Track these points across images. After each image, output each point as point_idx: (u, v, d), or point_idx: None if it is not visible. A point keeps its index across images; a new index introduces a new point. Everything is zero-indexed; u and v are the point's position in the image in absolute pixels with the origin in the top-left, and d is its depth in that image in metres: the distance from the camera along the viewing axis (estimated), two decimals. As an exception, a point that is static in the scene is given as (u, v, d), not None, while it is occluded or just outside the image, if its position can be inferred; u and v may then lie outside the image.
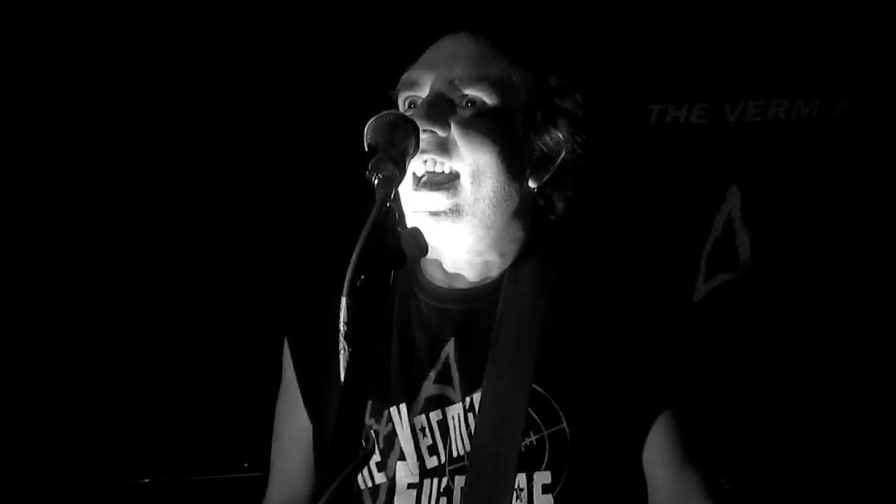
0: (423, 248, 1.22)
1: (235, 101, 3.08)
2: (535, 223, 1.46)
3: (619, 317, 1.40)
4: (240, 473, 2.85)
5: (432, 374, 1.41)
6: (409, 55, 1.52)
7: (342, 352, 1.01)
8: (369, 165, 1.14)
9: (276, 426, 1.58)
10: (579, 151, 1.45)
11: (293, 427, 1.54)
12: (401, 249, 1.10)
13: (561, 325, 1.38)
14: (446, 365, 1.41)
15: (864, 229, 2.90)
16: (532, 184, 1.43)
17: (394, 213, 1.10)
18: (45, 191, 3.05)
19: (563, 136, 1.43)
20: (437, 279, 1.47)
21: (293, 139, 3.09)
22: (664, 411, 1.36)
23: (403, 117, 1.23)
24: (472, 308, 1.43)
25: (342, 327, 1.01)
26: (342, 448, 0.89)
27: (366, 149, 1.18)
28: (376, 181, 1.12)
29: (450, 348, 1.41)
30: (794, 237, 2.99)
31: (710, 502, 1.34)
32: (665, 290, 1.47)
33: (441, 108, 1.36)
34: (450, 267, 1.45)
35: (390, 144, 1.17)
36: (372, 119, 1.21)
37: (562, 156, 1.44)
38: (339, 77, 2.99)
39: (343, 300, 1.01)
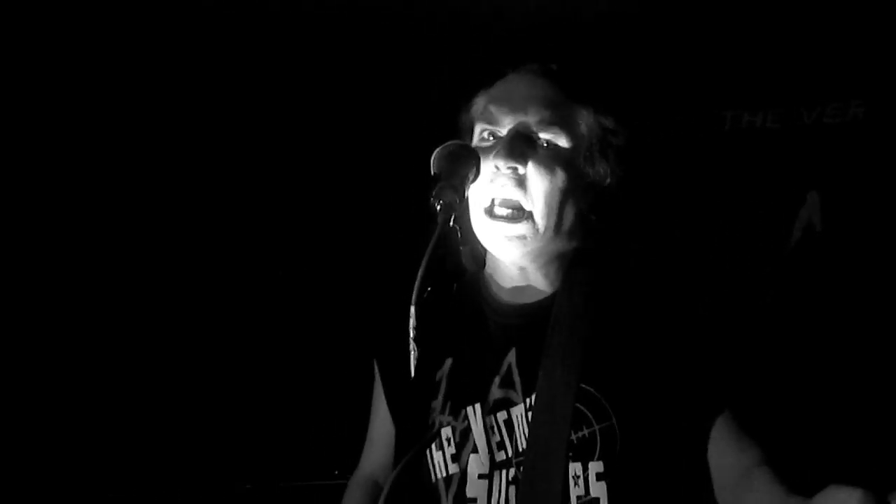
0: (480, 263, 1.53)
1: (306, 121, 3.24)
2: (582, 241, 1.61)
3: (664, 322, 1.53)
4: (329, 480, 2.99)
5: (497, 380, 1.57)
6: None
7: (412, 352, 1.14)
8: (433, 192, 1.35)
9: (370, 423, 1.81)
10: (621, 180, 1.61)
11: (381, 424, 1.76)
12: (461, 265, 1.38)
13: (608, 332, 1.53)
14: (509, 371, 1.57)
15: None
16: (581, 207, 1.59)
17: (455, 233, 1.33)
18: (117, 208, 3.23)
19: (610, 167, 1.59)
20: (501, 298, 1.64)
21: (366, 162, 3.24)
22: (724, 410, 1.48)
23: (465, 146, 1.44)
24: (530, 322, 1.58)
25: (411, 332, 1.17)
26: (412, 431, 0.98)
27: (431, 176, 1.38)
28: (438, 206, 1.33)
29: (511, 357, 1.58)
30: (877, 241, 2.92)
31: (767, 468, 1.43)
32: (708, 293, 1.59)
33: (521, 147, 1.53)
34: (509, 285, 1.62)
35: (452, 173, 1.39)
36: (437, 149, 1.40)
37: (606, 182, 1.60)
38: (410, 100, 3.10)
39: (412, 308, 1.17)
